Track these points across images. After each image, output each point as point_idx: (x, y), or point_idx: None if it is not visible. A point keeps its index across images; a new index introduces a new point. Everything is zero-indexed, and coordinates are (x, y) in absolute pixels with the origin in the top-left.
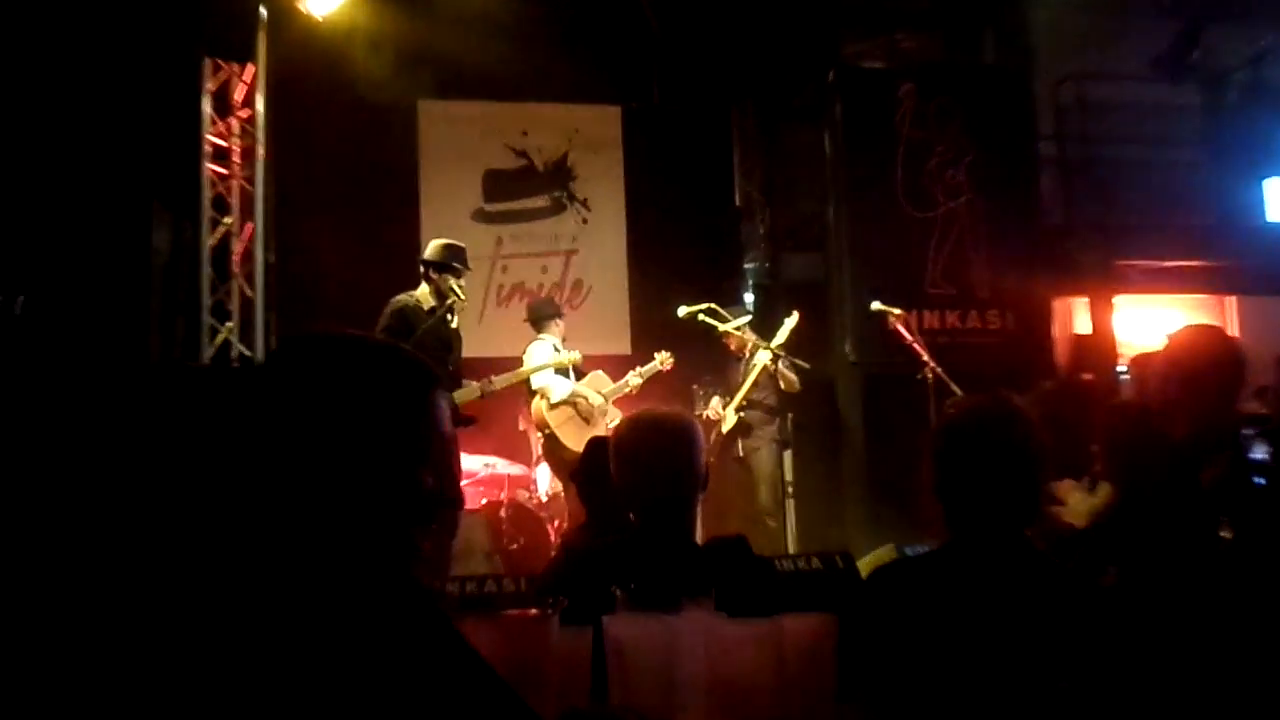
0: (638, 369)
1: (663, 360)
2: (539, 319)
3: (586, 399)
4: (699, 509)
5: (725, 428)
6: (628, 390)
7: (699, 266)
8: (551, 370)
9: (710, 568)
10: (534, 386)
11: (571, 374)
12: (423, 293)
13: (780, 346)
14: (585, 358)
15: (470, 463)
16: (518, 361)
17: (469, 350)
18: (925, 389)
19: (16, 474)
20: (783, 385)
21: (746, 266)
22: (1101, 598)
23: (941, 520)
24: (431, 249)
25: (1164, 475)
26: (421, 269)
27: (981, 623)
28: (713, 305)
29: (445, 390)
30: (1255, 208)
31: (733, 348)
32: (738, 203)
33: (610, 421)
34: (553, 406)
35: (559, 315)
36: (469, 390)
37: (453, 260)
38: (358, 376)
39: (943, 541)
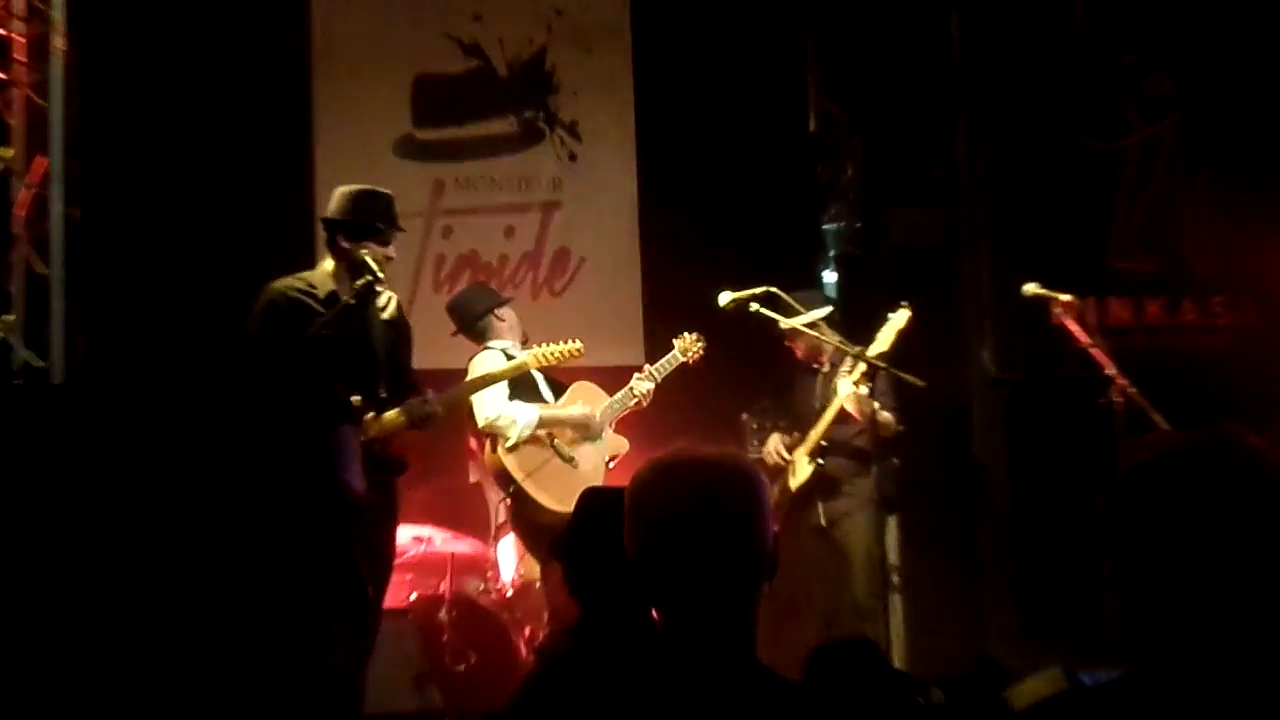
0: (647, 368)
1: (686, 347)
2: (469, 320)
3: (570, 429)
4: (760, 605)
5: (795, 481)
6: (633, 405)
7: (752, 229)
8: (498, 392)
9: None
10: (479, 422)
11: (544, 388)
12: (321, 273)
13: (881, 355)
14: (571, 370)
15: (401, 534)
16: (462, 374)
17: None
18: (1109, 419)
19: None
20: (879, 421)
21: (826, 228)
22: None
23: (1132, 630)
24: (336, 201)
25: None
26: (324, 233)
27: None
28: (772, 290)
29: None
30: None
31: (803, 355)
32: (813, 128)
33: (612, 461)
34: (511, 450)
35: (498, 304)
36: (391, 419)
37: (371, 217)
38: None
39: (1134, 665)
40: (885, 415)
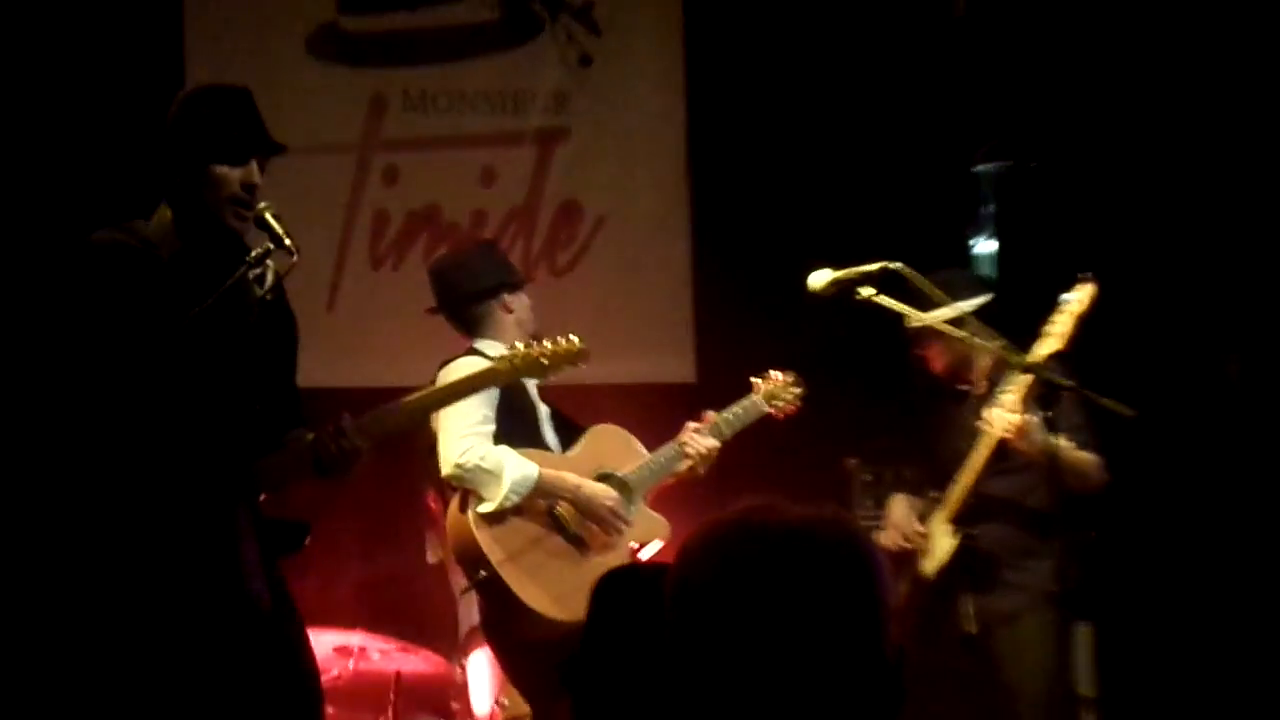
0: (714, 417)
1: (774, 393)
2: (463, 296)
3: (579, 491)
4: None
5: (931, 563)
6: (684, 470)
7: (859, 174)
8: (474, 419)
9: None
10: (444, 466)
11: (547, 428)
12: (159, 225)
13: (1059, 366)
14: (581, 388)
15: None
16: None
17: (307, 377)
18: None
19: None
20: (1065, 466)
21: (981, 171)
22: None
23: None
24: (184, 105)
25: None
26: (163, 162)
27: None
28: (896, 266)
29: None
30: None
31: (942, 369)
32: (959, 9)
33: (642, 550)
34: (489, 518)
35: (513, 282)
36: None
37: (240, 131)
38: None
39: None
40: (1077, 455)
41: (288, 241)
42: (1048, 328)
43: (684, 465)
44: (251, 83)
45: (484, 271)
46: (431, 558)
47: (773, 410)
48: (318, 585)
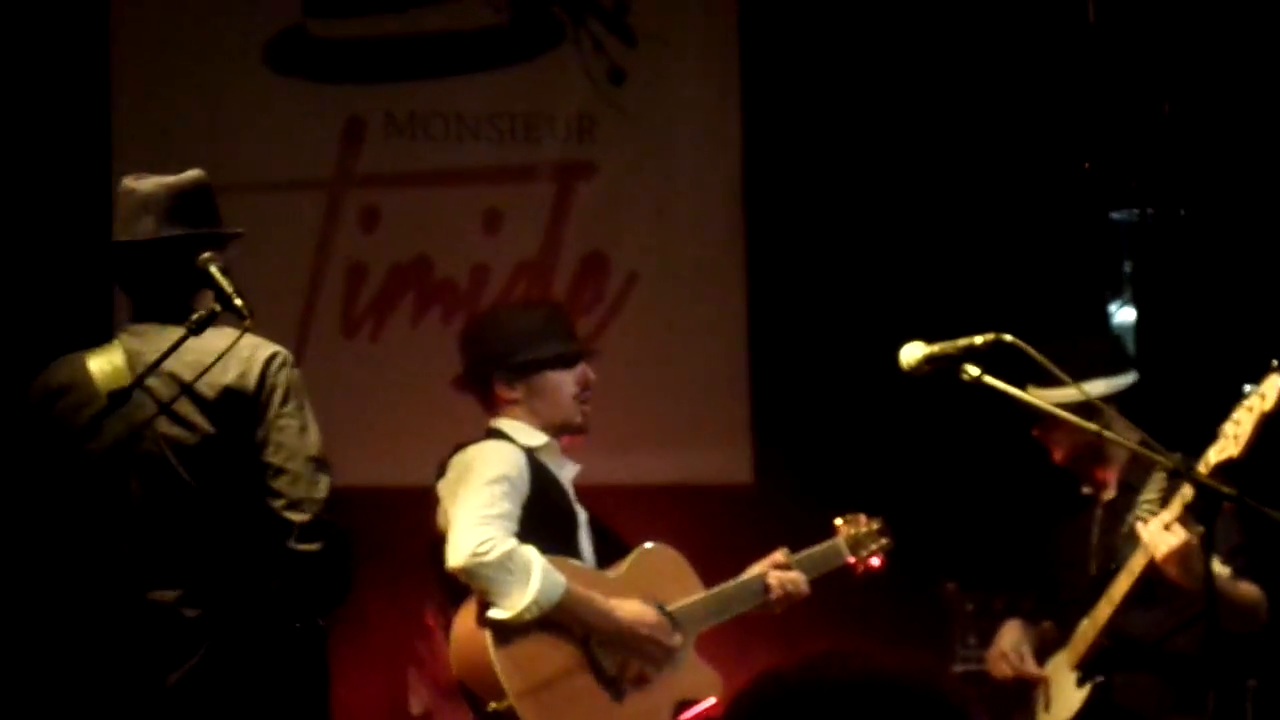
0: (783, 559)
1: (859, 538)
2: (506, 361)
3: (612, 615)
4: None
5: (1053, 717)
6: (754, 608)
7: (963, 226)
8: (499, 508)
9: None
10: (453, 557)
11: (584, 538)
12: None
13: (1225, 470)
14: (608, 489)
15: None
16: (408, 500)
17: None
18: None
19: None
20: (1228, 599)
21: (1118, 219)
22: None
23: None
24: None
25: None
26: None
27: None
28: (1009, 339)
29: None
30: None
31: (1064, 458)
32: (1092, 17)
33: (688, 709)
34: (509, 637)
35: (573, 353)
36: None
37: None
38: None
39: None
40: (1240, 589)
41: (238, 302)
42: (1226, 426)
43: (753, 604)
44: (197, 103)
45: (538, 332)
46: (416, 707)
47: (853, 561)
48: None
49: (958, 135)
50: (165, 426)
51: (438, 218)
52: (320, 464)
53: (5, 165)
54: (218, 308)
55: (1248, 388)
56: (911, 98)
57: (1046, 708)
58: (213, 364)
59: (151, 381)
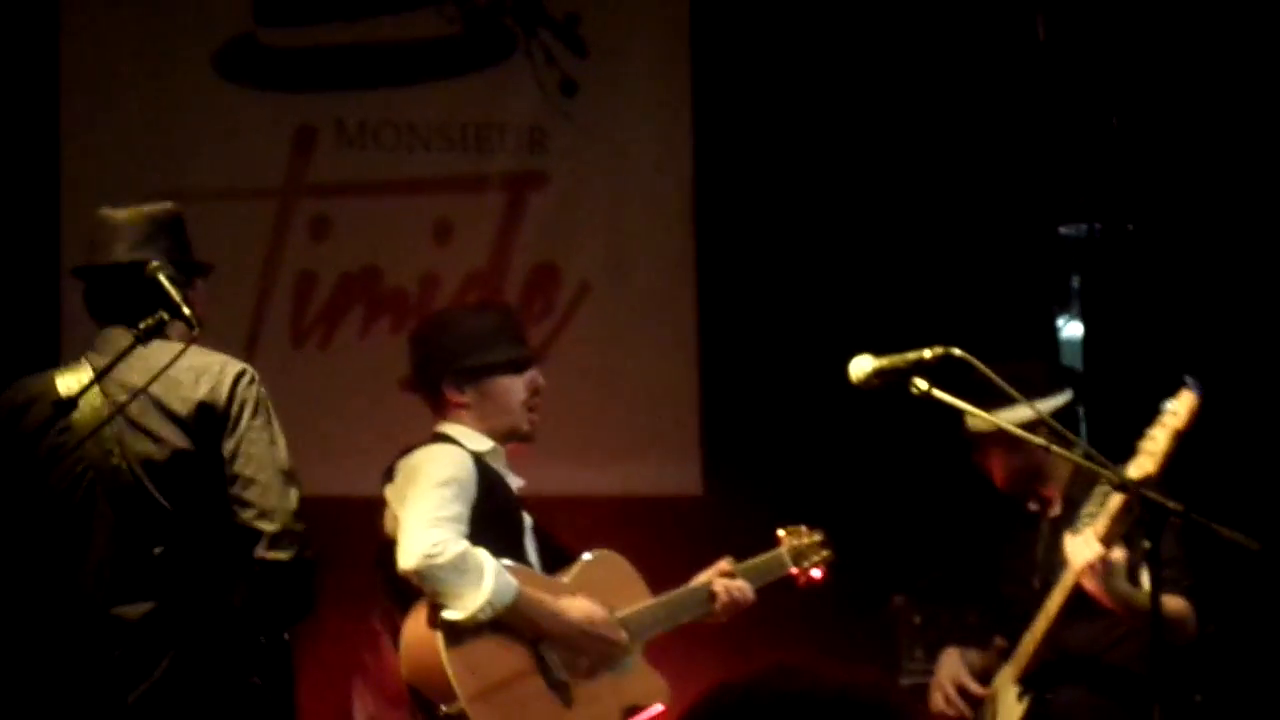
0: (728, 568)
1: (801, 549)
2: (457, 365)
3: (562, 616)
4: None
5: None
6: (699, 616)
7: (912, 238)
8: (453, 518)
9: None
10: (404, 559)
11: (530, 543)
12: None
13: (1152, 482)
14: (559, 501)
15: None
16: (355, 509)
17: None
18: None
19: None
20: (1161, 616)
21: (1065, 234)
22: None
23: None
24: None
25: None
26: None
27: None
28: (957, 352)
29: None
30: None
31: (1006, 482)
32: (1042, 35)
33: (635, 716)
34: (460, 638)
35: (522, 359)
36: None
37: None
38: None
39: None
40: (1171, 603)
41: (186, 311)
42: (1143, 443)
43: (703, 613)
44: (144, 109)
45: (489, 336)
46: (360, 717)
47: (796, 571)
48: None
49: (908, 149)
50: (134, 443)
51: (388, 227)
52: (290, 476)
53: None
54: (166, 317)
55: (1166, 404)
56: (863, 113)
57: None
58: (180, 378)
59: (120, 398)
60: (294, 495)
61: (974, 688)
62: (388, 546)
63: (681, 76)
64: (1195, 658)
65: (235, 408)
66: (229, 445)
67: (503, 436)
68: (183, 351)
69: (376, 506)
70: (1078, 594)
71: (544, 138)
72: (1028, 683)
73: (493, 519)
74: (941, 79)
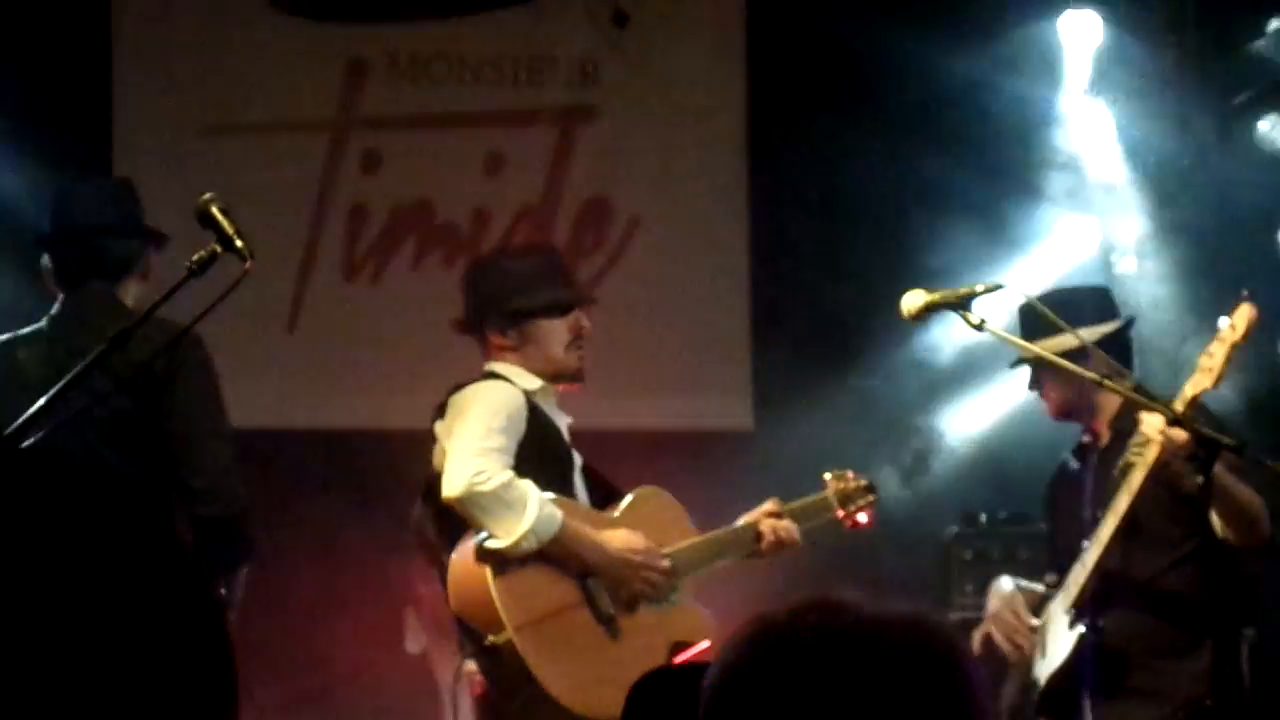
0: (775, 508)
1: (848, 491)
2: (503, 306)
3: (606, 548)
4: None
5: (1047, 665)
6: (747, 555)
7: (966, 164)
8: (499, 448)
9: None
10: (449, 488)
11: (580, 483)
12: None
13: (1200, 411)
14: (609, 434)
15: None
16: (409, 442)
17: (259, 415)
18: None
19: None
20: (1225, 503)
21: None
22: None
23: None
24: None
25: None
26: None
27: None
28: (1007, 286)
29: None
30: None
31: (1057, 411)
32: None
33: (682, 651)
34: (509, 570)
35: (571, 300)
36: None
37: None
38: None
39: None
40: (1241, 490)
41: (239, 244)
42: (1201, 359)
43: (749, 552)
44: (198, 43)
45: (536, 277)
46: (413, 646)
47: (842, 515)
48: (266, 678)
49: (962, 77)
50: (78, 402)
51: (439, 161)
52: (219, 434)
53: (7, 113)
54: (219, 249)
55: (1222, 320)
56: (916, 39)
57: (1043, 653)
58: (127, 343)
59: (71, 360)
60: (224, 453)
61: (1025, 620)
62: (436, 480)
63: (734, 6)
64: (1248, 591)
65: (175, 368)
66: (165, 405)
67: (551, 377)
68: (229, 289)
69: (427, 441)
70: (1130, 520)
71: (595, 70)
72: (1080, 612)
73: (542, 456)
74: (996, 11)
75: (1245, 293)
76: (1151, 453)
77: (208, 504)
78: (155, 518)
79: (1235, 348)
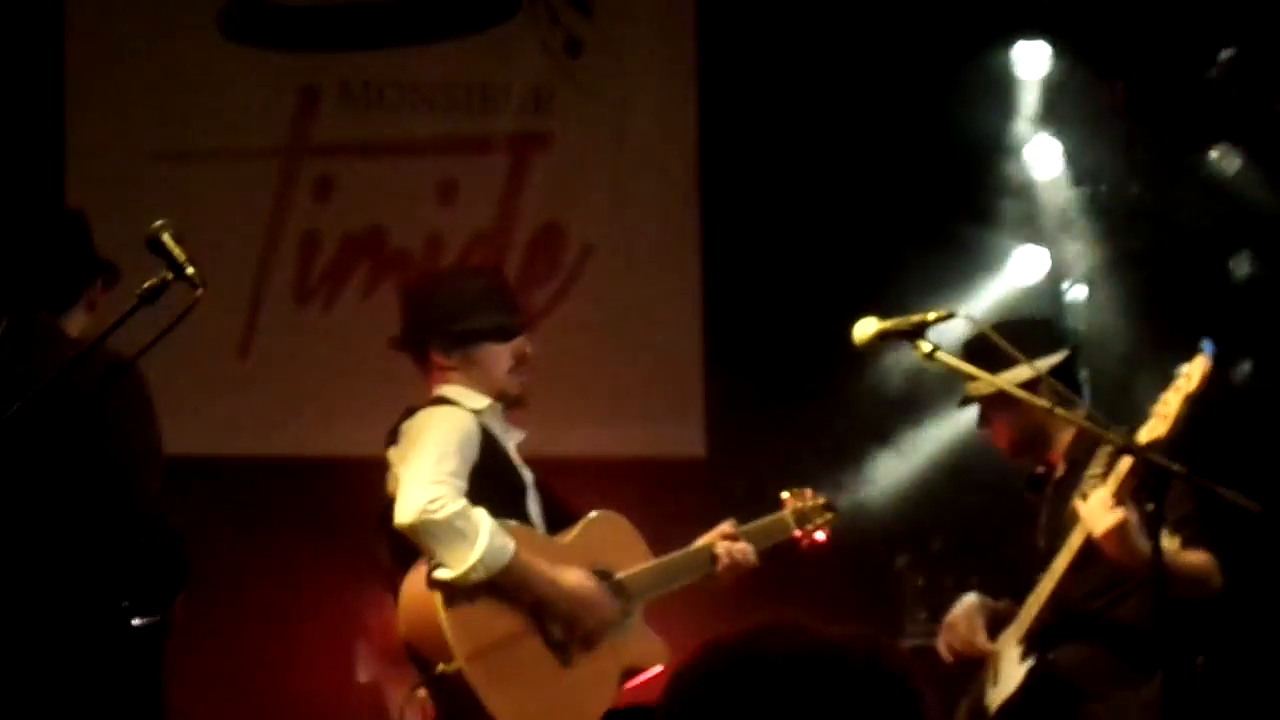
0: (731, 530)
1: (805, 511)
2: (449, 328)
3: (556, 584)
4: None
5: (998, 692)
6: (697, 579)
7: (919, 192)
8: (453, 473)
9: None
10: (402, 513)
11: (533, 504)
12: None
13: (1159, 444)
14: (561, 462)
15: None
16: (361, 469)
17: (210, 444)
18: None
19: None
20: (1175, 569)
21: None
22: None
23: None
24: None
25: None
26: None
27: None
28: (960, 314)
29: None
30: None
31: (1011, 445)
32: None
33: (632, 676)
34: (460, 599)
35: (513, 325)
36: None
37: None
38: None
39: None
40: (1188, 560)
41: (190, 271)
42: (1156, 406)
43: (704, 575)
44: (151, 70)
45: (480, 301)
46: (364, 675)
47: (799, 534)
48: (217, 707)
49: (912, 111)
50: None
51: (392, 188)
52: (148, 461)
53: None
54: (170, 276)
55: (1180, 368)
56: (866, 74)
57: (994, 682)
58: (59, 367)
59: (11, 389)
60: (155, 480)
61: (982, 641)
62: (390, 507)
63: (686, 35)
64: (1199, 620)
65: (106, 395)
66: (96, 431)
67: (495, 398)
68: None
69: (380, 468)
70: (1083, 554)
71: (548, 98)
72: (1031, 643)
73: (494, 478)
74: (948, 43)
75: (1203, 344)
76: (1076, 540)
77: (140, 531)
78: (75, 546)
79: (1189, 398)
